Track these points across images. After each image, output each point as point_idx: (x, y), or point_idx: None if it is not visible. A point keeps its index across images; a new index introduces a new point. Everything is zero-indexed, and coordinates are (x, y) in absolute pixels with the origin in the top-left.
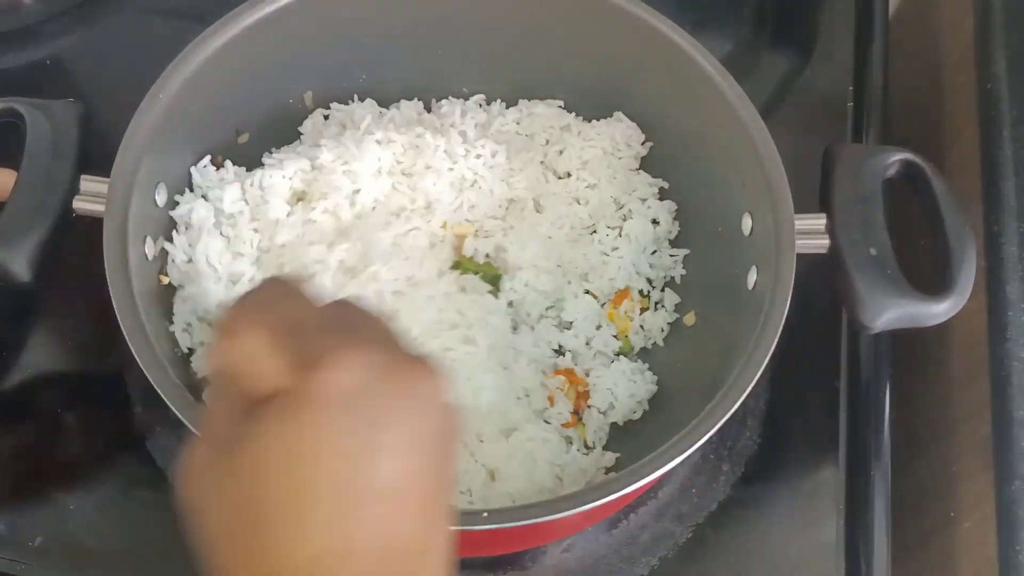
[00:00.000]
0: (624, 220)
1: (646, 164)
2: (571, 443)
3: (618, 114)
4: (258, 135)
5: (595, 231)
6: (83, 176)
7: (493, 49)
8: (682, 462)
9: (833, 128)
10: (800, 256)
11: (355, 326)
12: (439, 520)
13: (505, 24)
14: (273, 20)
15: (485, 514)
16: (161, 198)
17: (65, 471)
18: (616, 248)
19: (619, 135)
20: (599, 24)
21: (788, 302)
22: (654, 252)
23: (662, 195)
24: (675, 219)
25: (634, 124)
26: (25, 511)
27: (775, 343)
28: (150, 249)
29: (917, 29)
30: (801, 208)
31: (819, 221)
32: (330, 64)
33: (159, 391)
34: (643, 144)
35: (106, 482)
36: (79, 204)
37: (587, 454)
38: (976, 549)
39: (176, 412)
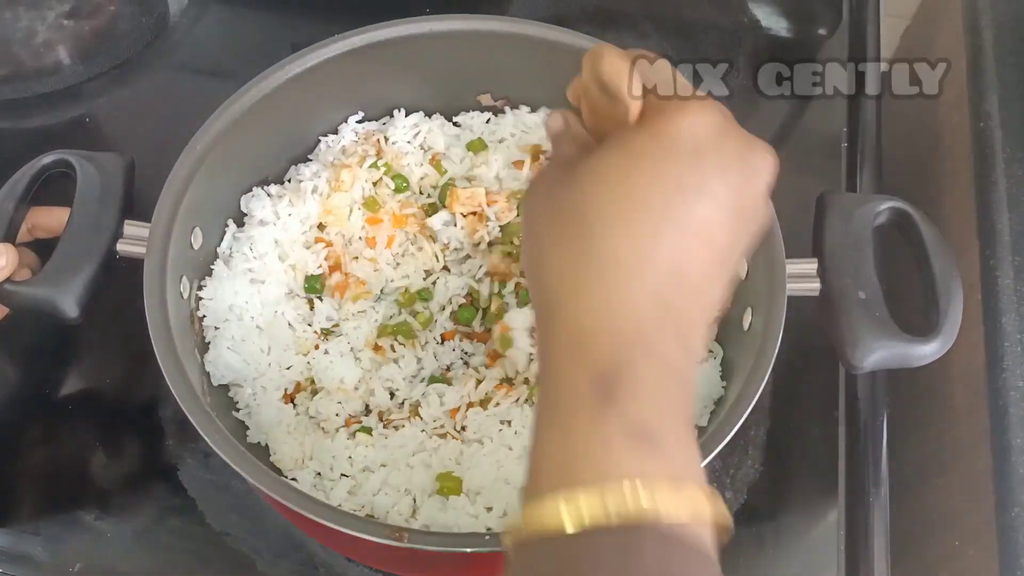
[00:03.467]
0: None
1: None
2: None
3: None
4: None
5: None
6: (127, 221)
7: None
8: None
9: (828, 169)
10: (796, 297)
11: (710, 99)
12: (725, 274)
13: (509, 65)
14: (301, 79)
15: (487, 536)
16: (197, 241)
17: (102, 500)
18: None
19: None
20: None
21: (779, 342)
22: None
23: None
24: None
25: None
26: (65, 538)
27: (765, 380)
28: (185, 288)
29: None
30: (795, 252)
31: (811, 265)
32: (353, 111)
33: (192, 420)
34: None
35: (141, 511)
36: (122, 247)
37: None
38: None
39: (208, 440)
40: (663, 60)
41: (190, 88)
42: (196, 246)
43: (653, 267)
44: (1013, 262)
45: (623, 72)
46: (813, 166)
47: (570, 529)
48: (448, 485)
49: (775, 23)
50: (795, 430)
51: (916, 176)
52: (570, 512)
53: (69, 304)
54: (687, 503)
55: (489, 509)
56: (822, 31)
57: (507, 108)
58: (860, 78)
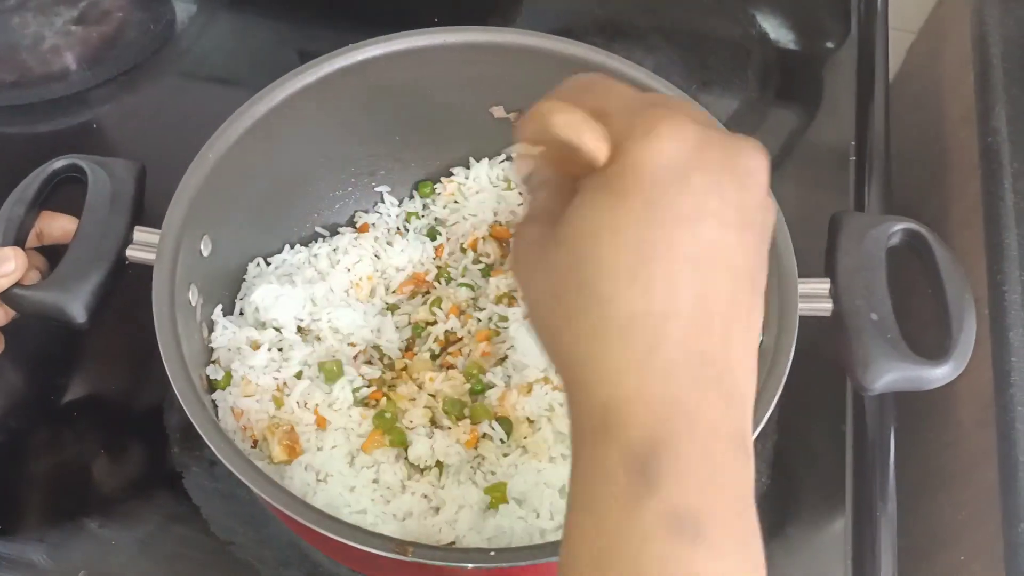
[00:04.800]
0: None
1: None
2: None
3: None
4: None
5: None
6: (137, 227)
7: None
8: None
9: (836, 183)
10: (808, 317)
11: (672, 105)
12: (756, 294)
13: (521, 78)
14: (315, 88)
15: (492, 553)
16: (206, 249)
17: (106, 507)
18: None
19: None
20: None
21: (790, 361)
22: None
23: None
24: None
25: None
26: (69, 545)
27: (777, 397)
28: (194, 296)
29: (921, 84)
30: (807, 270)
31: (823, 285)
32: (368, 129)
33: (196, 426)
34: None
35: (145, 518)
36: (132, 253)
37: None
38: None
39: (212, 447)
40: (605, 78)
41: (197, 95)
42: (206, 254)
43: (676, 316)
44: (1021, 277)
45: (578, 126)
46: (821, 180)
47: None
48: (496, 495)
49: (783, 36)
50: (803, 444)
51: (924, 190)
52: None
53: (77, 309)
54: None
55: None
56: (830, 44)
57: None
58: (868, 91)
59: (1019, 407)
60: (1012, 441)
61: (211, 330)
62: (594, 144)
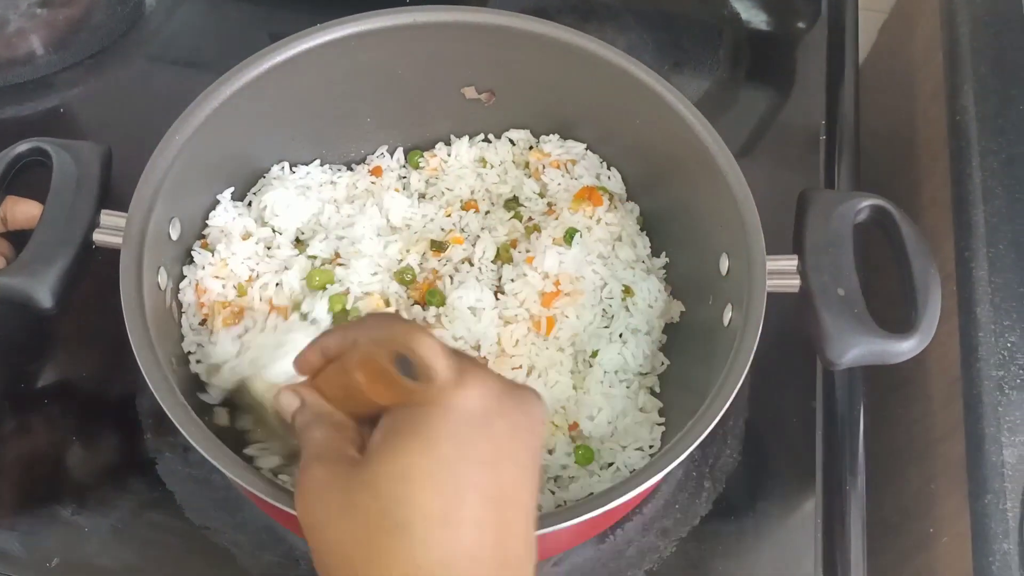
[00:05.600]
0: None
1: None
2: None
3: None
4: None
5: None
6: (103, 211)
7: (476, 105)
8: (666, 480)
9: (806, 163)
10: (776, 294)
11: (474, 360)
12: (534, 536)
13: (493, 58)
14: (282, 69)
15: None
16: (175, 232)
17: (79, 494)
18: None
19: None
20: (578, 71)
21: (758, 337)
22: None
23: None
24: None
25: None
26: (42, 533)
27: (744, 374)
28: (163, 279)
29: (892, 63)
30: (776, 247)
31: (791, 262)
32: (338, 109)
33: (167, 410)
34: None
35: (118, 505)
36: (99, 236)
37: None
38: (954, 563)
39: (183, 431)
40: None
41: (166, 79)
42: (175, 237)
43: (482, 560)
44: (988, 254)
45: (437, 349)
46: (792, 160)
47: None
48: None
49: (755, 16)
50: (773, 421)
51: (894, 169)
52: None
53: (44, 294)
54: None
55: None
56: (801, 24)
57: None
58: (838, 71)
59: (985, 381)
60: (979, 414)
61: (181, 308)
62: (445, 371)
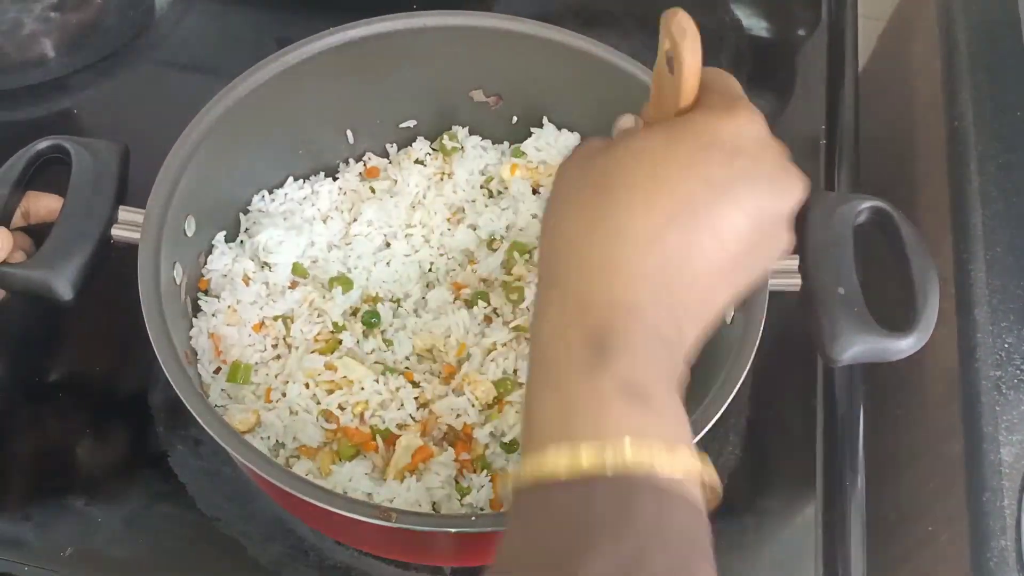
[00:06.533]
0: None
1: None
2: None
3: None
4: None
5: None
6: (121, 207)
7: (482, 108)
8: None
9: (806, 166)
10: (777, 293)
11: (759, 113)
12: (726, 290)
13: (500, 62)
14: (299, 70)
15: (474, 518)
16: (190, 229)
17: (93, 486)
18: None
19: None
20: (582, 74)
21: (759, 335)
22: None
23: None
24: None
25: None
26: (56, 524)
27: (746, 370)
28: (178, 274)
29: (891, 70)
30: None
31: (792, 262)
32: (349, 111)
33: (184, 400)
34: None
35: (131, 496)
36: (116, 232)
37: None
38: (952, 560)
39: (199, 420)
40: (723, 71)
41: (175, 82)
42: (190, 233)
43: (661, 247)
44: (985, 256)
45: (687, 32)
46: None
47: (570, 476)
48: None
49: (756, 23)
50: (774, 419)
51: (894, 173)
52: (571, 461)
53: (63, 286)
54: (681, 461)
55: None
56: (801, 32)
57: None
58: (838, 77)
59: (983, 381)
60: (977, 414)
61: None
62: (689, 55)
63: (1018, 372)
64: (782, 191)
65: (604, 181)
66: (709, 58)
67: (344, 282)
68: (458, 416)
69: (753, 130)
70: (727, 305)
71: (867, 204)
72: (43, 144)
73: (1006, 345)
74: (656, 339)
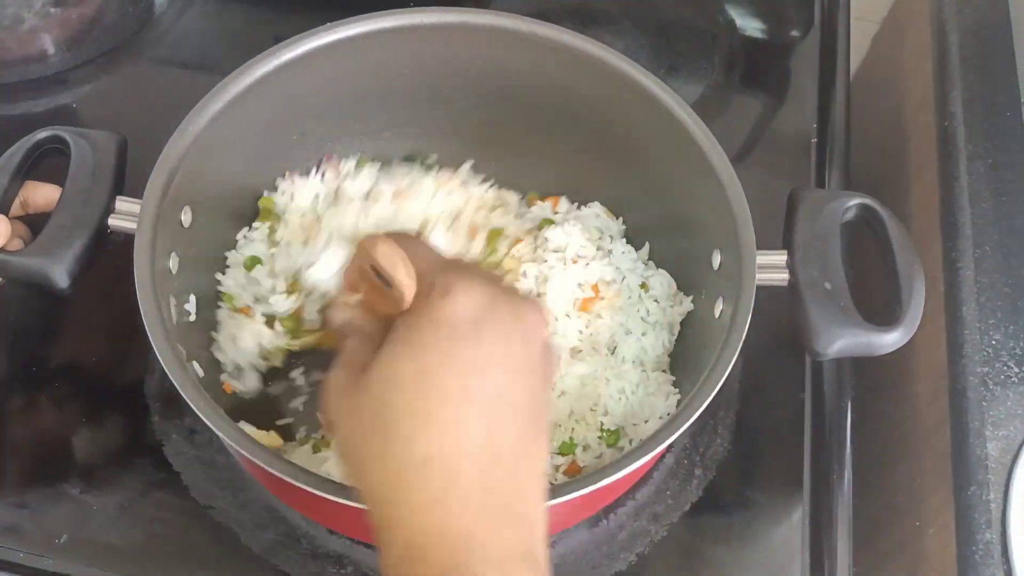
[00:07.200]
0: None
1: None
2: None
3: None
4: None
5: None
6: (118, 197)
7: (478, 105)
8: (658, 466)
9: (798, 166)
10: (766, 288)
11: (467, 268)
12: (540, 430)
13: (495, 60)
14: (297, 64)
15: None
16: (186, 219)
17: (88, 474)
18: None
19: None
20: (575, 72)
21: (746, 328)
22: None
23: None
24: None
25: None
26: (51, 511)
27: (733, 361)
28: (174, 264)
29: (884, 71)
30: (767, 244)
31: (780, 257)
32: (345, 107)
33: (180, 390)
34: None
35: (126, 484)
36: (114, 222)
37: None
38: (939, 553)
39: (196, 410)
40: (416, 239)
41: (174, 78)
42: (186, 224)
43: (468, 456)
44: (974, 255)
45: (395, 259)
46: (784, 163)
47: None
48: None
49: (749, 24)
50: (763, 413)
51: (885, 173)
52: None
53: (60, 274)
54: None
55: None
56: (795, 33)
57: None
58: (830, 77)
59: (971, 377)
60: (963, 409)
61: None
62: (405, 279)
63: (1005, 368)
64: (529, 329)
65: (382, 421)
66: (702, 59)
67: None
68: None
69: (475, 295)
70: (547, 439)
71: (855, 201)
72: (42, 134)
73: (993, 342)
74: (505, 560)
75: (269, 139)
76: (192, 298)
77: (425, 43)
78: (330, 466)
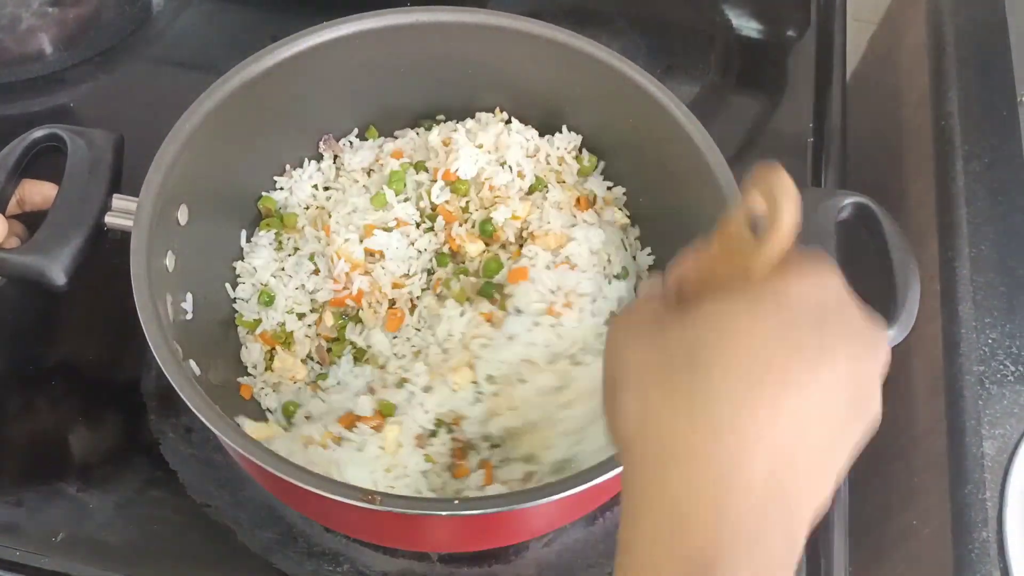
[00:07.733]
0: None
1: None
2: None
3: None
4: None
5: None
6: (115, 195)
7: (473, 104)
8: None
9: (794, 166)
10: None
11: (827, 264)
12: (833, 472)
13: (492, 58)
14: (293, 63)
15: (456, 502)
16: (183, 217)
17: (85, 472)
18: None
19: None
20: (574, 72)
21: None
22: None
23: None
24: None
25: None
26: (48, 509)
27: None
28: (170, 261)
29: (882, 71)
30: None
31: None
32: (344, 104)
33: (175, 386)
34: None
35: (122, 483)
36: (110, 219)
37: None
38: (935, 552)
39: (193, 408)
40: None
41: (171, 78)
42: (183, 222)
43: (770, 442)
44: (970, 254)
45: (791, 190)
46: (780, 162)
47: None
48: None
49: (746, 24)
50: None
51: (881, 173)
52: None
53: (57, 272)
54: None
55: None
56: (791, 33)
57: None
58: (826, 77)
59: (967, 376)
60: (960, 408)
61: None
62: (790, 217)
63: (1001, 367)
64: (872, 347)
65: (694, 361)
66: (699, 59)
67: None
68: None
69: (831, 286)
70: (834, 483)
71: (850, 200)
72: (39, 132)
73: (989, 341)
74: (766, 568)
75: (265, 137)
76: (189, 296)
77: (421, 42)
78: (327, 463)
